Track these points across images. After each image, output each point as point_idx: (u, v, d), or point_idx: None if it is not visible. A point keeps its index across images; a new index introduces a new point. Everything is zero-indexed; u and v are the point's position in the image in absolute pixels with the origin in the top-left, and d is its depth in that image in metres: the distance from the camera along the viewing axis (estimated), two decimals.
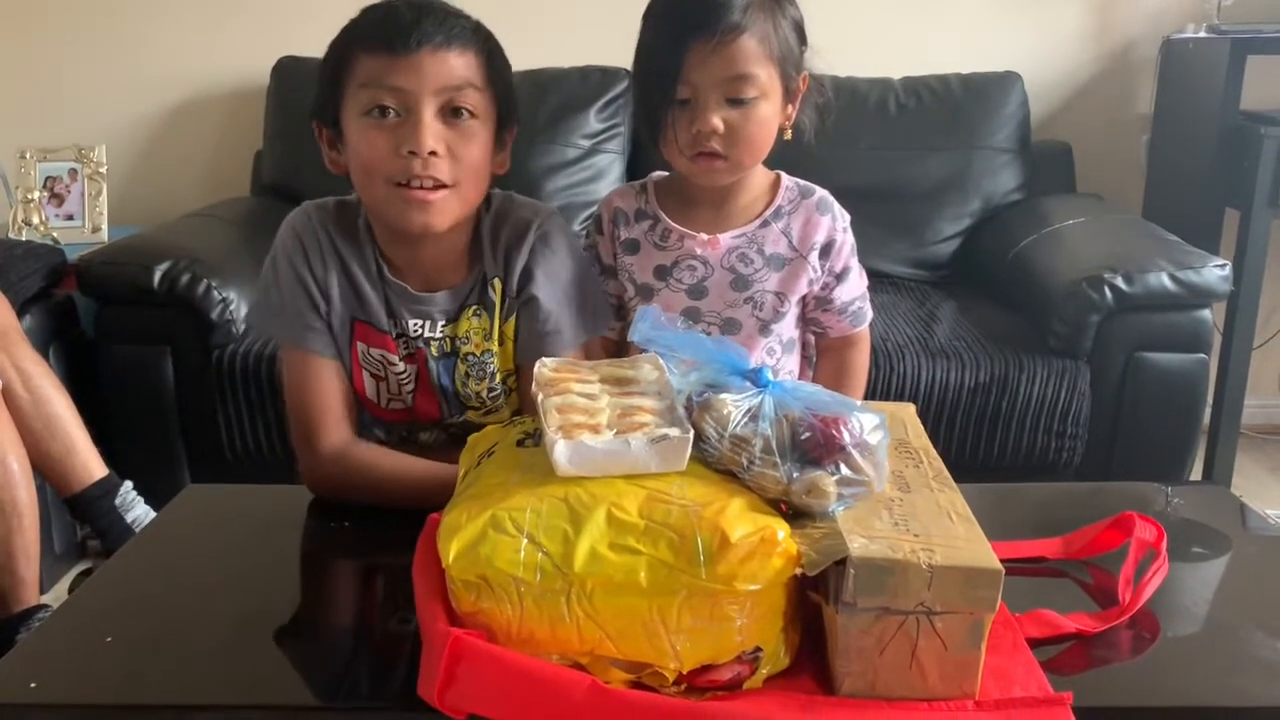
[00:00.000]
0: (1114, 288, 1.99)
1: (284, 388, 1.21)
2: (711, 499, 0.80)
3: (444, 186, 1.09)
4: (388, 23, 1.09)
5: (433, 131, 1.07)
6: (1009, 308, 2.24)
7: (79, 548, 1.96)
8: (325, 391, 1.17)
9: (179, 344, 2.03)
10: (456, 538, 0.80)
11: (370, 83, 1.08)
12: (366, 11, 1.13)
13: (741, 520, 0.78)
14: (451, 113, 1.09)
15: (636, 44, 1.19)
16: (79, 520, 1.84)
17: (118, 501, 1.82)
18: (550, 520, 0.79)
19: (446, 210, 1.11)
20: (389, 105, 1.08)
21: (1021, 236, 2.34)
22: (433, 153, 1.07)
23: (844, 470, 0.82)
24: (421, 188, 1.08)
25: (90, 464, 1.81)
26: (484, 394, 1.21)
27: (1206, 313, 2.05)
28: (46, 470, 1.80)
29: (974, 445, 2.04)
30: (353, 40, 1.11)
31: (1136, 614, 0.89)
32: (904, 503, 0.85)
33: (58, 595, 1.93)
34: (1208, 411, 2.30)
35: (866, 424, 0.84)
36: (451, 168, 1.09)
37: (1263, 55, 2.39)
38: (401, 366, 1.20)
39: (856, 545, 0.77)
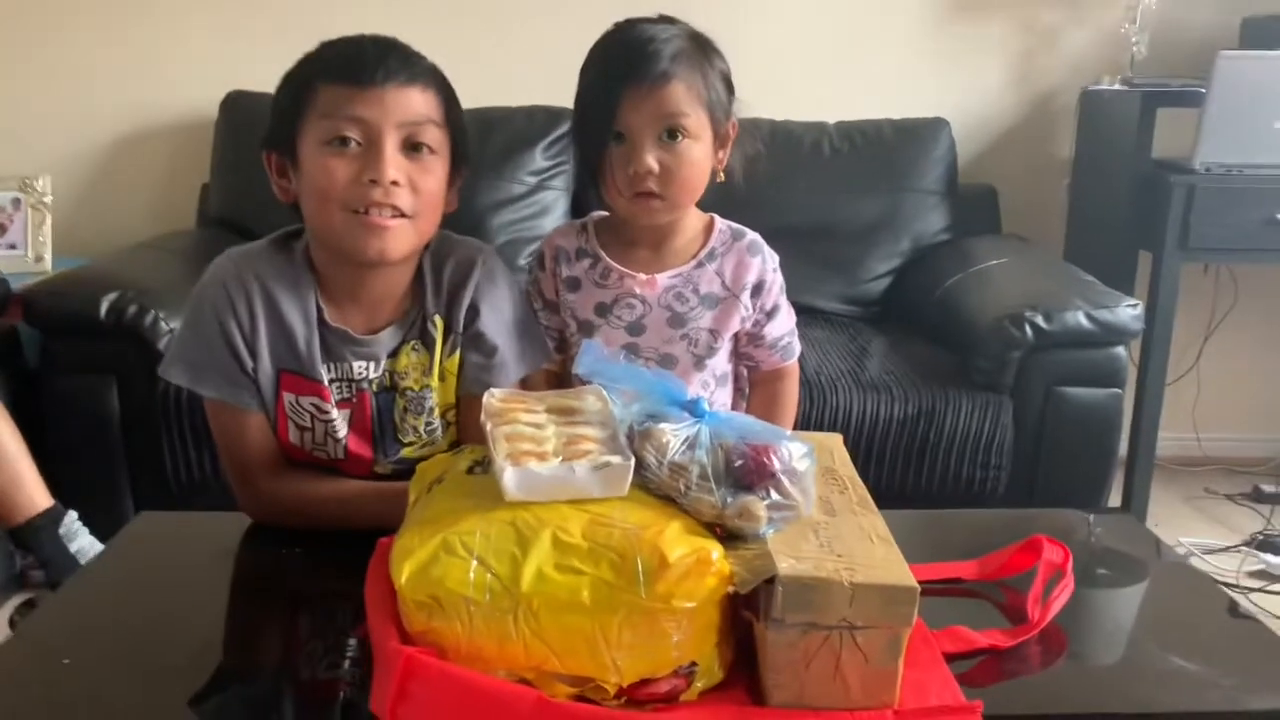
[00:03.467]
0: (1034, 325, 2.08)
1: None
2: (651, 522, 0.85)
3: (402, 216, 1.11)
4: (353, 56, 1.11)
5: (394, 162, 1.10)
6: (937, 343, 2.32)
7: (19, 578, 1.94)
8: (253, 443, 1.18)
9: (125, 374, 2.02)
10: (409, 560, 0.83)
11: (333, 113, 1.10)
12: (328, 45, 1.15)
13: (679, 542, 0.83)
14: (412, 147, 1.12)
15: (575, 94, 1.25)
16: (22, 550, 1.82)
17: (62, 531, 1.81)
18: (499, 543, 0.83)
19: (402, 239, 1.13)
20: (350, 135, 1.10)
21: (949, 275, 2.42)
22: (394, 182, 1.10)
23: (774, 495, 0.87)
24: (379, 215, 1.10)
25: (35, 495, 1.80)
26: (421, 428, 1.22)
27: (1121, 350, 2.14)
28: None
29: (903, 475, 2.10)
30: (314, 71, 1.13)
31: (1045, 630, 0.95)
32: (830, 526, 0.90)
33: None
34: (1125, 444, 2.41)
35: (795, 452, 0.90)
36: (411, 199, 1.12)
37: (1172, 108, 2.52)
38: (335, 413, 1.19)
39: (785, 565, 0.82)
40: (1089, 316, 2.10)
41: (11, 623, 1.82)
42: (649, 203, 1.22)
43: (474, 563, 0.83)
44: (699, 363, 1.31)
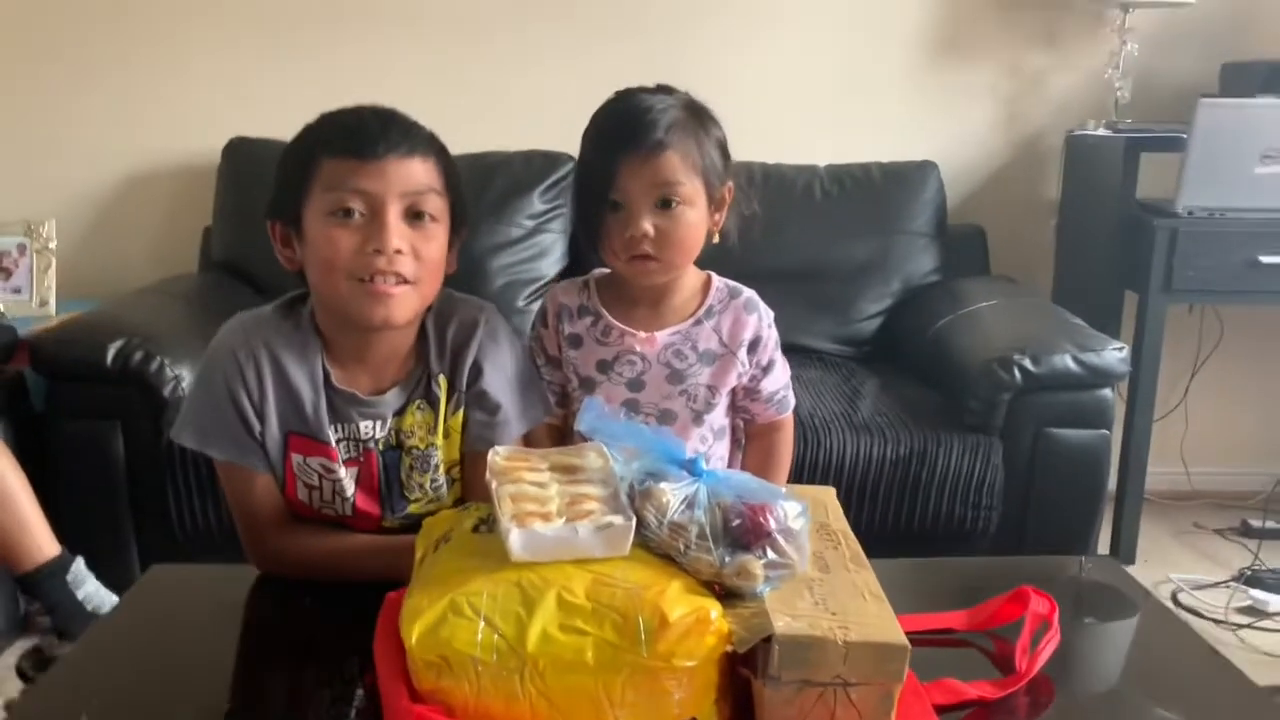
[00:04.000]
0: (1022, 368, 2.11)
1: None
2: (652, 582, 0.87)
3: (405, 282, 1.14)
4: (355, 130, 1.14)
5: (397, 231, 1.13)
6: (927, 384, 2.35)
7: (24, 622, 1.95)
8: (261, 502, 1.21)
9: (130, 421, 2.04)
10: (419, 621, 0.86)
11: (337, 185, 1.12)
12: (329, 118, 1.17)
13: (679, 602, 0.85)
14: (414, 215, 1.15)
15: (576, 160, 1.29)
16: (30, 597, 1.83)
17: (69, 578, 1.81)
18: (505, 604, 0.86)
19: (406, 304, 1.16)
20: (354, 207, 1.13)
21: (939, 316, 2.45)
22: (398, 251, 1.13)
23: (770, 554, 0.89)
24: (384, 283, 1.14)
25: (42, 541, 1.80)
26: (427, 485, 1.24)
27: (1108, 392, 2.17)
28: None
29: (895, 515, 2.12)
30: (317, 145, 1.15)
31: (1033, 680, 0.97)
32: (824, 582, 0.93)
33: (0, 671, 1.91)
34: (1114, 481, 2.44)
35: (791, 511, 0.92)
36: (414, 265, 1.15)
37: (1155, 152, 2.56)
38: (342, 472, 1.21)
39: (781, 624, 0.84)
40: (1076, 360, 2.13)
41: (19, 671, 1.83)
42: (645, 265, 1.26)
43: (481, 623, 0.85)
44: (697, 418, 1.34)
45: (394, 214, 1.13)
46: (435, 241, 1.17)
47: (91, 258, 2.81)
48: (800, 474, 1.54)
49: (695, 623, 0.85)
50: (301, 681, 1.02)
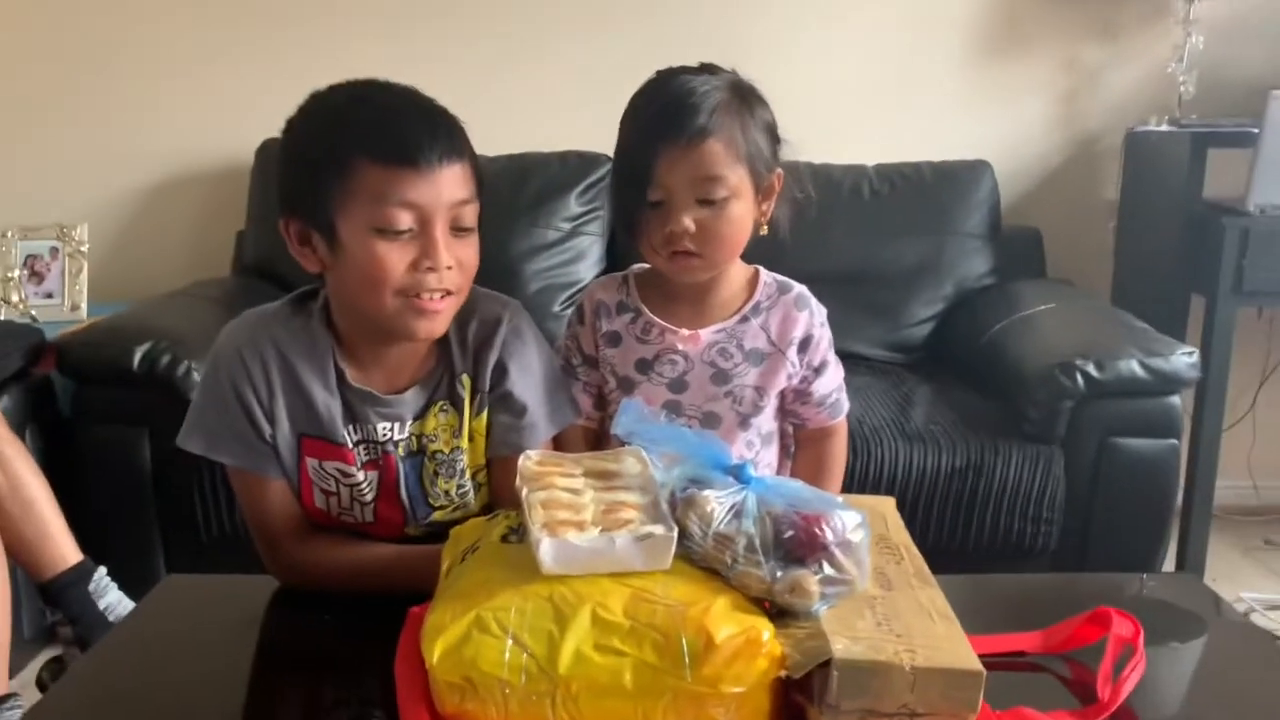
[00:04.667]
0: (1085, 374, 2.02)
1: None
2: (696, 598, 0.81)
3: (449, 294, 1.09)
4: (400, 132, 1.05)
5: (448, 245, 1.07)
6: (983, 392, 2.26)
7: (48, 632, 1.92)
8: (276, 510, 1.15)
9: (157, 425, 2.01)
10: (441, 638, 0.80)
11: (384, 197, 1.03)
12: (359, 109, 1.07)
13: (726, 621, 0.79)
14: (456, 226, 1.08)
15: (615, 147, 1.22)
16: (51, 606, 1.80)
17: (91, 587, 1.79)
18: (535, 620, 0.80)
19: (448, 316, 1.11)
20: (405, 223, 1.04)
21: (994, 321, 2.37)
22: (448, 267, 1.07)
23: (827, 569, 0.83)
24: (432, 299, 1.08)
25: (64, 550, 1.78)
26: (453, 491, 1.19)
27: (1176, 399, 2.08)
28: (19, 555, 1.77)
29: (950, 529, 2.05)
30: (353, 144, 1.04)
31: (1116, 712, 0.89)
32: (886, 601, 0.86)
33: (24, 682, 1.89)
34: (1180, 494, 2.33)
35: (849, 522, 0.86)
36: (459, 277, 1.09)
37: (1222, 149, 2.47)
38: (360, 476, 1.16)
39: (840, 647, 0.77)
40: (1143, 365, 2.03)
41: (39, 682, 1.81)
42: (688, 262, 1.18)
43: (509, 641, 0.80)
44: (744, 421, 1.27)
45: (441, 227, 1.06)
46: (473, 248, 1.12)
47: (124, 261, 2.80)
48: (849, 485, 1.46)
49: (744, 644, 0.79)
50: (317, 701, 0.97)
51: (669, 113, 1.14)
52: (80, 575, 1.79)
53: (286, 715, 0.95)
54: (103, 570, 1.83)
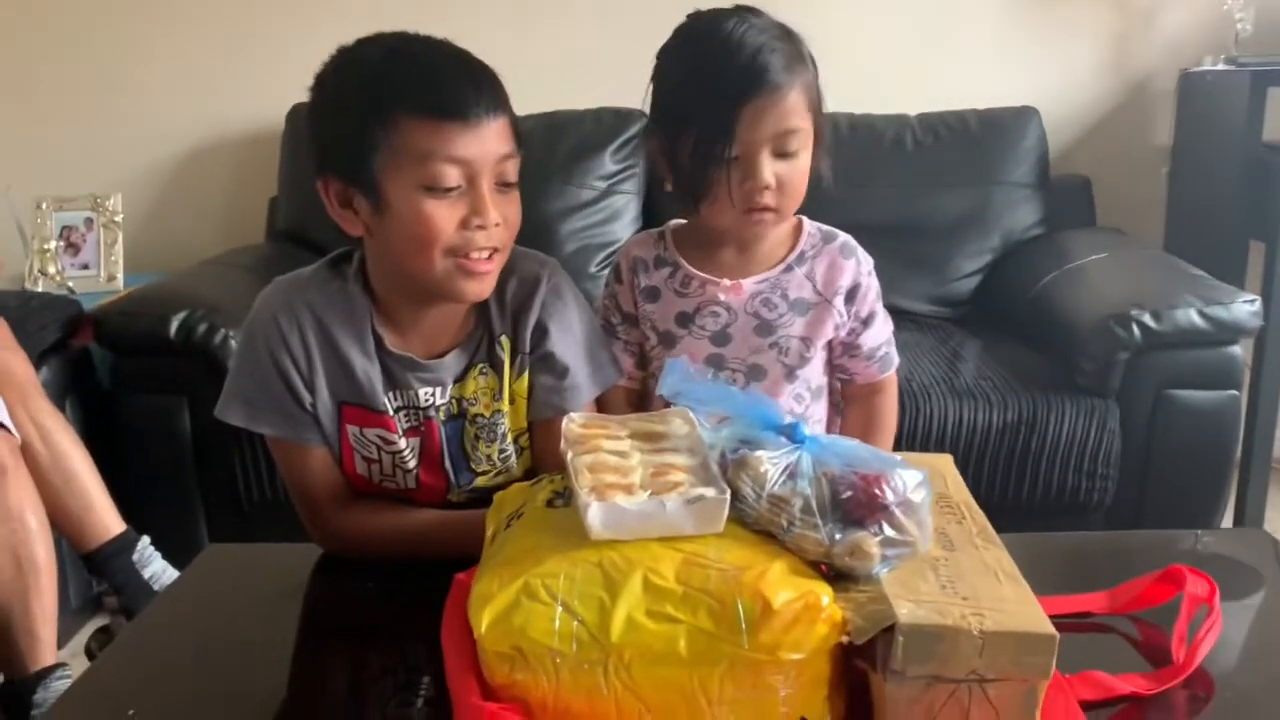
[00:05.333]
0: (1142, 325, 1.96)
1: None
2: (751, 562, 0.78)
3: (496, 252, 1.06)
4: (442, 85, 1.01)
5: (495, 202, 1.04)
6: (1033, 345, 2.21)
7: (94, 602, 1.94)
8: (318, 478, 1.13)
9: (196, 394, 2.01)
10: (489, 607, 0.77)
11: (430, 153, 1.00)
12: (397, 61, 1.03)
13: (783, 585, 0.76)
14: (500, 182, 1.05)
15: (670, 101, 1.17)
16: (96, 576, 1.81)
17: (135, 557, 1.79)
18: (585, 587, 0.77)
19: (495, 275, 1.08)
20: (453, 180, 1.01)
21: (1044, 273, 2.31)
22: (496, 224, 1.04)
23: (887, 530, 0.80)
24: (481, 258, 1.05)
25: (107, 520, 1.78)
26: (495, 456, 1.16)
27: (1237, 349, 2.02)
28: (64, 526, 1.78)
29: (1003, 486, 2.00)
30: (397, 99, 1.00)
31: (1191, 674, 0.85)
32: (949, 562, 0.83)
33: (74, 650, 1.91)
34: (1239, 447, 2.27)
35: (910, 481, 0.82)
36: (505, 235, 1.06)
37: None
38: (403, 444, 1.13)
39: (904, 611, 0.74)
40: (1202, 314, 1.97)
41: (88, 651, 1.83)
42: (763, 216, 1.15)
43: (559, 608, 0.77)
44: (790, 374, 1.23)
45: (488, 183, 1.03)
46: (518, 204, 1.08)
47: (158, 231, 2.79)
48: (898, 444, 1.43)
49: (803, 609, 0.75)
50: (365, 670, 0.96)
51: (750, 71, 1.10)
52: (124, 545, 1.79)
53: (334, 685, 0.94)
54: (146, 540, 1.83)
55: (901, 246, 2.44)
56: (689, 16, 1.17)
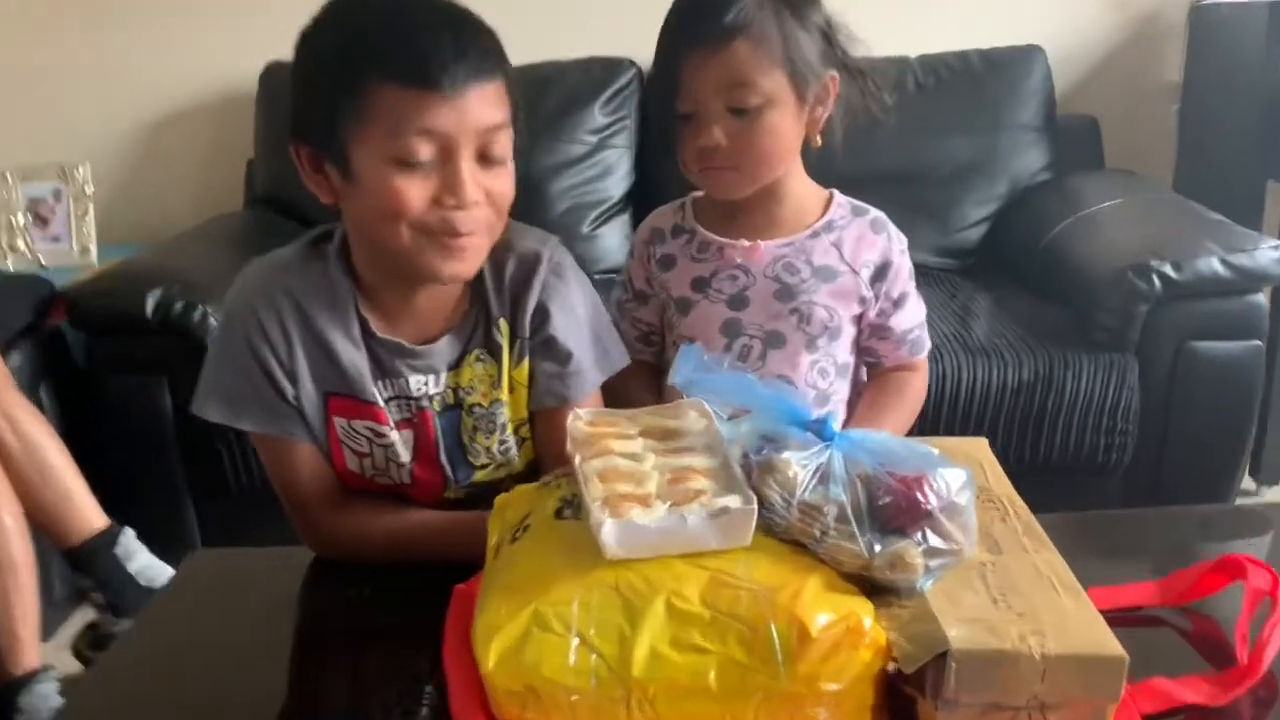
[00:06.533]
0: (1162, 275, 1.89)
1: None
2: (784, 580, 0.71)
3: (476, 234, 0.97)
4: (424, 49, 0.91)
5: (473, 179, 0.94)
6: (1046, 298, 2.14)
7: (79, 593, 1.87)
8: (306, 476, 1.06)
9: (177, 374, 1.93)
10: (496, 640, 0.71)
11: (401, 125, 0.91)
12: (379, 21, 0.94)
13: (821, 605, 0.70)
14: (485, 157, 0.96)
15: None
16: (79, 572, 1.75)
17: (118, 550, 1.72)
18: (602, 614, 0.71)
19: (478, 256, 0.99)
20: (424, 154, 0.92)
21: (1055, 221, 2.23)
22: (475, 202, 0.95)
23: (931, 538, 0.73)
24: (456, 235, 0.96)
25: (88, 513, 1.71)
26: (494, 448, 1.09)
27: (1260, 297, 1.96)
28: (43, 521, 1.71)
29: (1019, 446, 1.94)
30: (368, 62, 0.92)
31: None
32: (997, 567, 0.76)
33: (58, 644, 1.86)
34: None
35: (954, 482, 0.75)
36: (488, 212, 0.97)
37: None
38: (394, 436, 1.06)
39: (956, 634, 0.67)
40: (1224, 262, 1.90)
41: (76, 651, 1.77)
42: (720, 176, 1.10)
43: (574, 641, 0.70)
44: (811, 343, 1.16)
45: (468, 158, 0.93)
46: (506, 179, 0.98)
47: (132, 200, 2.69)
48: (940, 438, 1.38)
49: (845, 633, 0.69)
50: (358, 684, 0.90)
51: (693, 12, 1.04)
52: (107, 540, 1.73)
53: (330, 699, 0.88)
54: (130, 532, 1.76)
55: (904, 195, 2.33)
56: None
